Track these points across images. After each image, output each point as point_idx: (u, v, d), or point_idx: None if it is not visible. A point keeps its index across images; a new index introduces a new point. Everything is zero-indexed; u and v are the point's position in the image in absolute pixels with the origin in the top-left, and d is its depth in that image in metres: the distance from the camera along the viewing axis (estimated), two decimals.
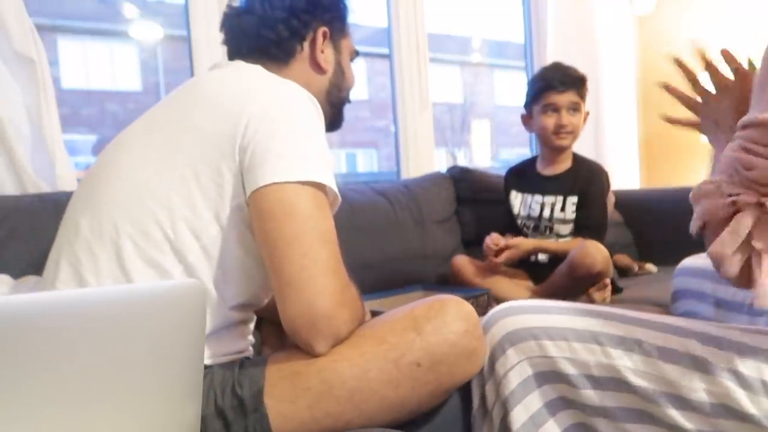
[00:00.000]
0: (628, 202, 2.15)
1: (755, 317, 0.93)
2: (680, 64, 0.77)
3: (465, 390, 0.80)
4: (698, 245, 0.70)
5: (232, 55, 0.93)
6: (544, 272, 1.59)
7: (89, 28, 7.01)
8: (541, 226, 1.67)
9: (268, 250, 0.70)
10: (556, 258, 1.56)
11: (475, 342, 0.74)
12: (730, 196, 0.59)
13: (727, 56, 0.72)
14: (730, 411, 0.64)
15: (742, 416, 0.63)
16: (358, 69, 1.03)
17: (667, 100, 0.80)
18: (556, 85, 1.61)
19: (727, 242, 0.59)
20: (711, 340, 0.67)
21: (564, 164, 1.70)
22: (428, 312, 0.73)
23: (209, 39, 1.67)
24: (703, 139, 0.81)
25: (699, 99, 0.77)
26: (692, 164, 2.56)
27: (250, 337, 0.84)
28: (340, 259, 0.72)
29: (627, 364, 0.69)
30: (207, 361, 0.72)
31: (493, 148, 9.33)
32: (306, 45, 0.92)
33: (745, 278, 0.59)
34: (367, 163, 9.27)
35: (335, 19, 0.95)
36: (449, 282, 1.67)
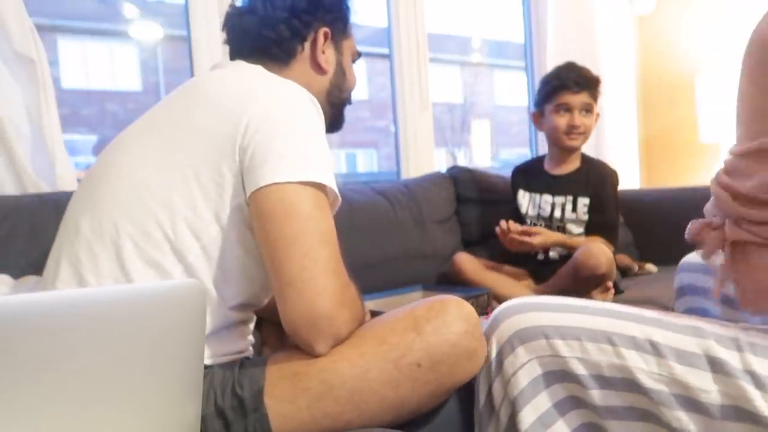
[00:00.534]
0: (628, 202, 2.15)
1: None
2: None
3: (465, 390, 0.80)
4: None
5: (234, 54, 0.93)
6: (545, 272, 1.59)
7: (89, 28, 7.00)
8: (553, 225, 1.67)
9: (269, 250, 0.70)
10: (565, 256, 1.55)
11: (476, 342, 0.74)
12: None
13: None
14: (742, 413, 0.63)
15: (754, 418, 0.63)
16: (358, 69, 1.03)
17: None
18: (570, 86, 1.61)
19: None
20: (729, 341, 0.66)
21: (573, 164, 1.70)
22: (428, 312, 0.73)
23: (209, 39, 1.67)
24: (703, 139, 0.83)
25: None
26: (692, 164, 2.56)
27: (250, 337, 0.84)
28: (340, 260, 0.72)
29: (640, 365, 0.68)
30: (207, 361, 0.72)
31: (493, 148, 9.32)
32: (307, 45, 0.92)
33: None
34: (367, 163, 9.25)
35: (337, 20, 0.95)
36: (450, 279, 1.67)
